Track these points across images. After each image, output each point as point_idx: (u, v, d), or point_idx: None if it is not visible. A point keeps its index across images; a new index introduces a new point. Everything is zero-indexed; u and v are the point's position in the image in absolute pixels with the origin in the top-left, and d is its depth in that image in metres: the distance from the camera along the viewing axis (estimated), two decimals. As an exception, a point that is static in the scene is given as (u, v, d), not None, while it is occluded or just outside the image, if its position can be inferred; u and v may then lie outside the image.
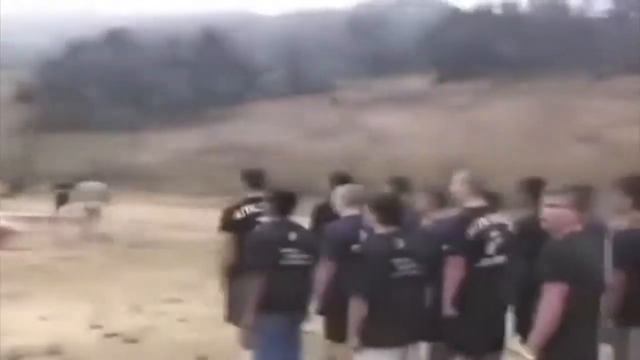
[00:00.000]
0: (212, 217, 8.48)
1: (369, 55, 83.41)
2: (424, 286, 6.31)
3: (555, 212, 5.37)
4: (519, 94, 67.17)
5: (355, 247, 6.76)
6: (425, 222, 7.55)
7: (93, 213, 23.17)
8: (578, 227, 5.40)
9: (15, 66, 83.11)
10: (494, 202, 7.52)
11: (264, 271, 6.82)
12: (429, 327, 6.44)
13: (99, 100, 73.98)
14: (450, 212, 7.28)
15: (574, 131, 58.30)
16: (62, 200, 25.22)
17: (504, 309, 7.23)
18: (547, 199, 5.46)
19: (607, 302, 6.31)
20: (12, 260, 17.51)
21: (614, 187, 6.44)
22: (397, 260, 5.96)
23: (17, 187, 48.51)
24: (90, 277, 15.90)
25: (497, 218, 6.95)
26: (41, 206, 29.84)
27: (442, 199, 7.45)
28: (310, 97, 74.48)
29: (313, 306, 7.42)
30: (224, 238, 8.09)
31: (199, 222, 26.28)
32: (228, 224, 8.03)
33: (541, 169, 10.04)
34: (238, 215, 8.00)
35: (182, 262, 18.37)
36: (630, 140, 50.06)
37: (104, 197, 23.76)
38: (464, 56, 74.30)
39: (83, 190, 23.44)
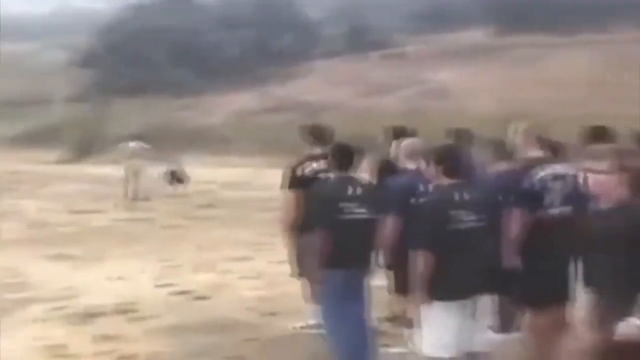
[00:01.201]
0: (276, 175, 8.57)
1: (428, 10, 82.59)
2: (486, 238, 6.22)
3: None
4: (585, 45, 66.04)
5: (417, 200, 6.79)
6: (488, 173, 7.57)
7: (135, 173, 23.59)
8: None
9: (73, 31, 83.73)
10: (556, 152, 7.50)
11: (326, 226, 6.83)
12: (492, 279, 6.37)
13: (161, 63, 74.33)
14: (511, 164, 7.28)
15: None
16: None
17: (568, 260, 7.21)
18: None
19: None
20: (82, 224, 17.86)
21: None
22: (458, 212, 5.90)
23: (82, 152, 49.08)
24: (158, 237, 16.15)
25: (559, 168, 6.93)
26: (106, 170, 30.31)
27: (503, 150, 7.44)
28: (371, 54, 74.10)
29: (379, 261, 7.48)
30: (288, 195, 8.19)
31: (263, 180, 26.47)
32: (292, 181, 8.09)
33: (610, 120, 9.95)
34: (302, 172, 8.07)
35: (248, 220, 18.56)
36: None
37: (146, 157, 24.06)
38: (526, 7, 73.23)
39: (125, 150, 23.97)
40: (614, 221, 5.02)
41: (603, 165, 5.10)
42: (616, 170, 5.06)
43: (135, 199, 22.88)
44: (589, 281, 7.40)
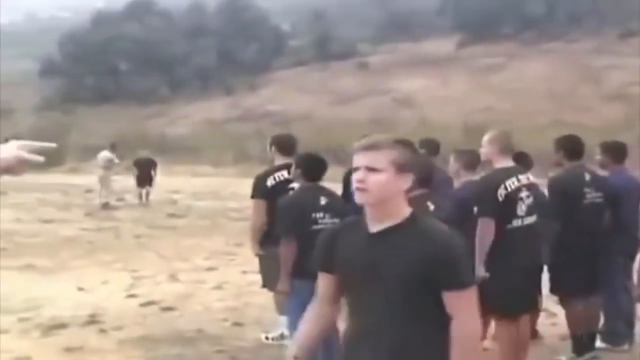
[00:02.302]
0: (245, 184, 8.55)
1: (394, 19, 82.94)
2: None
3: None
4: (546, 55, 66.65)
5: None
6: (456, 184, 7.60)
7: (102, 181, 23.83)
8: None
9: (40, 41, 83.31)
10: (523, 162, 7.56)
11: (296, 236, 6.81)
12: None
13: (126, 72, 74.16)
14: (480, 174, 7.32)
15: (603, 90, 57.87)
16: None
17: (539, 269, 7.28)
18: None
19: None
20: (47, 233, 17.72)
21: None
22: None
23: (49, 161, 48.67)
24: (125, 247, 16.07)
25: (527, 178, 6.99)
26: (74, 179, 30.18)
27: (472, 160, 7.47)
28: (337, 63, 74.26)
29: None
30: (256, 205, 8.17)
31: (231, 190, 26.45)
32: (260, 190, 8.08)
33: (571, 129, 10.03)
34: (270, 181, 8.05)
35: (216, 230, 18.53)
36: (660, 98, 49.60)
37: (110, 166, 24.27)
38: (489, 17, 73.75)
39: (98, 159, 24.39)
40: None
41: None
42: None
43: (106, 207, 22.94)
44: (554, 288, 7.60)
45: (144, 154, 27.26)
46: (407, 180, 3.60)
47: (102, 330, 9.26)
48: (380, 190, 3.53)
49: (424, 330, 3.53)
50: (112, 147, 25.62)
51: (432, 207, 5.89)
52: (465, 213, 6.66)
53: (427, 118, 51.41)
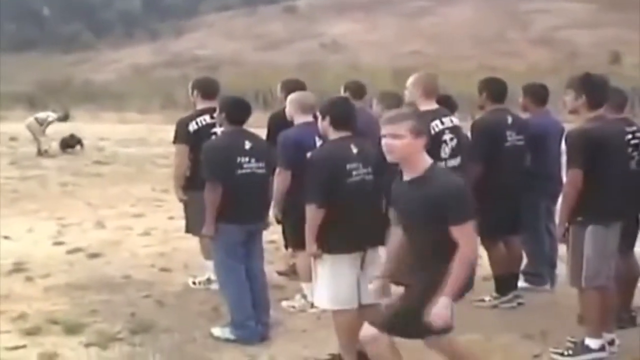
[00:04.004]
0: (170, 131, 8.48)
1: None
2: (380, 191, 6.13)
3: None
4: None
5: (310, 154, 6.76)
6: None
7: (33, 130, 23.43)
8: None
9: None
10: (447, 104, 7.60)
11: (221, 181, 6.77)
12: (385, 231, 6.28)
13: (49, 17, 72.83)
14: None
15: (530, 35, 58.40)
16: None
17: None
18: None
19: (563, 201, 6.38)
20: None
21: (568, 87, 6.43)
22: (351, 166, 5.84)
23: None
24: (50, 195, 15.89)
25: (450, 120, 7.03)
26: (1, 127, 29.68)
27: (395, 103, 7.47)
28: (264, 7, 73.81)
29: (273, 215, 7.48)
30: (178, 150, 8.14)
31: (158, 136, 26.25)
32: (182, 135, 8.06)
33: (498, 74, 10.10)
34: (192, 126, 8.02)
35: (143, 177, 18.43)
36: (585, 42, 50.25)
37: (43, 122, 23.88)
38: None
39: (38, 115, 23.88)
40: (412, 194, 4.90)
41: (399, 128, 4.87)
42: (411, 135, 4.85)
43: (42, 154, 22.60)
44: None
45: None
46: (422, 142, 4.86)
47: (29, 278, 9.18)
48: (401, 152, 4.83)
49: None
50: (63, 118, 25.00)
51: (355, 150, 5.87)
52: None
53: (356, 62, 51.44)
